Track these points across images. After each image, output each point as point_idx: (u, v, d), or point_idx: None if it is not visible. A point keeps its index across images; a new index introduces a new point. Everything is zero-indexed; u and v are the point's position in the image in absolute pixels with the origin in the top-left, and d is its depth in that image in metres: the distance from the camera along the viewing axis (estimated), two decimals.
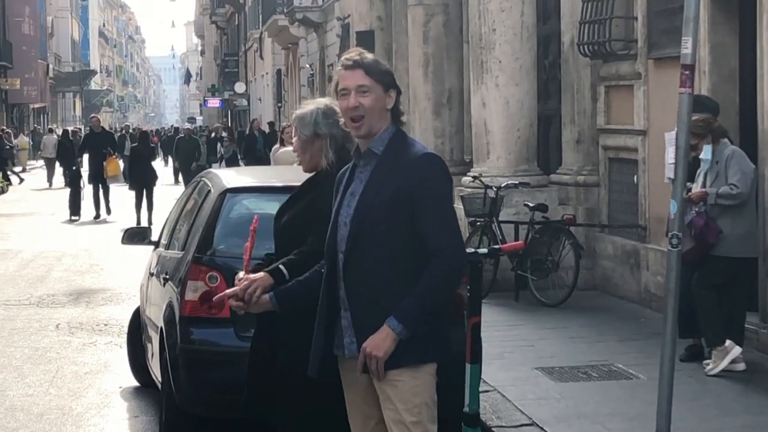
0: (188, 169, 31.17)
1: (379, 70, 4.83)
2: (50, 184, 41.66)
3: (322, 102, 5.60)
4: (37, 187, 41.14)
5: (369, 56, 4.88)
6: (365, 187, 4.82)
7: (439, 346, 4.77)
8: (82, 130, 53.87)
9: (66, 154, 35.67)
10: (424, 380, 4.74)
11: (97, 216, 26.99)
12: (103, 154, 27.09)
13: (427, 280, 4.63)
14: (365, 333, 4.69)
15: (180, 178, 34.97)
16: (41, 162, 55.86)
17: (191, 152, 32.18)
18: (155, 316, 8.50)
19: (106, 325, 12.95)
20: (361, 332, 4.72)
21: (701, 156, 9.41)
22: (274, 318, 5.28)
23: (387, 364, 4.66)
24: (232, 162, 29.88)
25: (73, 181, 27.58)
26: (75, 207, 26.92)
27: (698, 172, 9.56)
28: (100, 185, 27.25)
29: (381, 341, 4.64)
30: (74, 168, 28.14)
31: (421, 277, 4.64)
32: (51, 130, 54.15)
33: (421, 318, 4.66)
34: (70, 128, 53.44)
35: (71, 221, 26.54)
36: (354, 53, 4.90)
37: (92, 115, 33.09)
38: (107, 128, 43.75)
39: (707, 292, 9.42)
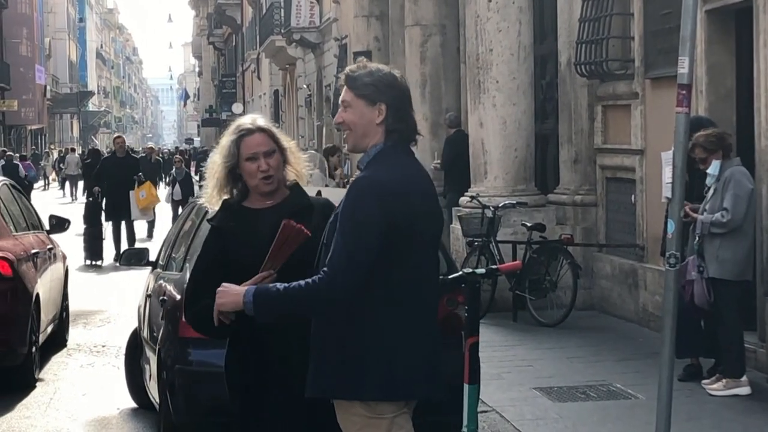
0: None
1: (362, 83, 4.52)
2: (74, 198, 43.37)
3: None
4: (63, 202, 42.31)
5: (365, 66, 4.59)
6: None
7: (372, 385, 4.44)
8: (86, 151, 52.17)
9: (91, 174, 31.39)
10: (355, 418, 4.48)
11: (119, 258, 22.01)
12: (132, 181, 22.43)
13: (298, 285, 4.41)
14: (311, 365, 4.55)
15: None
16: (40, 183, 56.32)
17: (152, 175, 28.11)
18: (153, 337, 8.49)
19: (103, 346, 12.92)
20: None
21: (709, 171, 9.38)
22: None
23: (309, 389, 4.51)
24: (185, 184, 27.43)
25: (91, 216, 21.86)
26: (94, 250, 21.43)
27: (706, 188, 9.55)
28: (123, 222, 22.50)
29: (231, 297, 4.51)
30: (91, 200, 22.84)
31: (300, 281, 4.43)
32: (73, 150, 55.67)
33: (269, 310, 4.47)
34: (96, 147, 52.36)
35: (91, 266, 21.21)
36: (354, 66, 4.64)
37: (116, 135, 26.36)
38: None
39: (734, 317, 9.37)
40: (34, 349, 10.99)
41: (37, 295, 11.20)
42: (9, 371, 10.71)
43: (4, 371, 10.69)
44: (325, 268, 4.38)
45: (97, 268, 20.82)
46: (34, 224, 12.84)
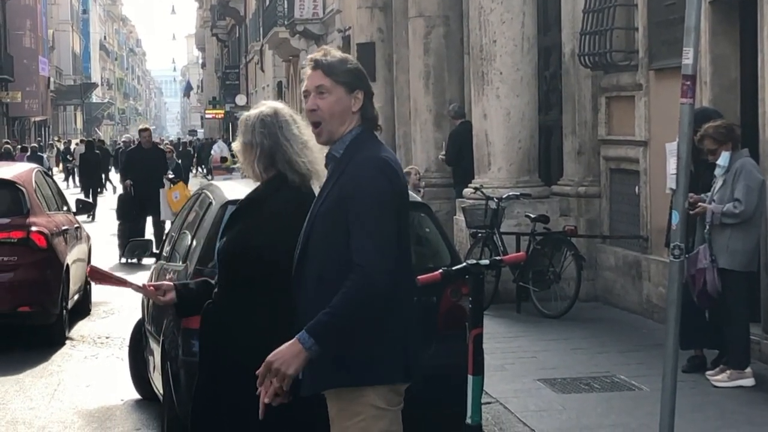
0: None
1: (342, 70, 4.41)
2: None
3: (272, 106, 5.17)
4: (70, 194, 41.67)
5: (335, 55, 4.47)
6: (318, 195, 4.49)
7: (378, 369, 4.31)
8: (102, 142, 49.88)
9: (89, 170, 30.47)
10: (362, 408, 4.32)
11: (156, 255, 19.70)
12: (159, 174, 21.13)
13: (342, 295, 4.18)
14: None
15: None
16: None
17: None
18: (157, 328, 8.49)
19: (107, 338, 12.94)
20: None
21: (719, 162, 9.36)
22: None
23: (316, 385, 4.35)
24: (176, 175, 25.04)
25: (124, 212, 21.07)
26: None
27: (714, 179, 9.53)
28: (150, 219, 21.14)
29: (291, 357, 4.19)
30: (124, 194, 21.64)
31: (340, 291, 4.20)
32: (82, 141, 54.76)
33: (335, 335, 4.21)
34: (96, 137, 48.33)
35: (127, 264, 18.69)
36: (319, 52, 4.50)
37: (142, 127, 23.80)
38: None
39: (741, 308, 9.37)
40: (64, 312, 12.80)
41: (67, 265, 12.96)
42: (43, 330, 12.43)
43: (39, 330, 12.42)
44: (357, 266, 4.20)
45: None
46: (62, 206, 14.47)
